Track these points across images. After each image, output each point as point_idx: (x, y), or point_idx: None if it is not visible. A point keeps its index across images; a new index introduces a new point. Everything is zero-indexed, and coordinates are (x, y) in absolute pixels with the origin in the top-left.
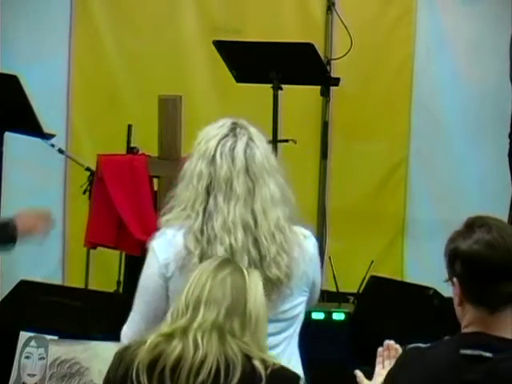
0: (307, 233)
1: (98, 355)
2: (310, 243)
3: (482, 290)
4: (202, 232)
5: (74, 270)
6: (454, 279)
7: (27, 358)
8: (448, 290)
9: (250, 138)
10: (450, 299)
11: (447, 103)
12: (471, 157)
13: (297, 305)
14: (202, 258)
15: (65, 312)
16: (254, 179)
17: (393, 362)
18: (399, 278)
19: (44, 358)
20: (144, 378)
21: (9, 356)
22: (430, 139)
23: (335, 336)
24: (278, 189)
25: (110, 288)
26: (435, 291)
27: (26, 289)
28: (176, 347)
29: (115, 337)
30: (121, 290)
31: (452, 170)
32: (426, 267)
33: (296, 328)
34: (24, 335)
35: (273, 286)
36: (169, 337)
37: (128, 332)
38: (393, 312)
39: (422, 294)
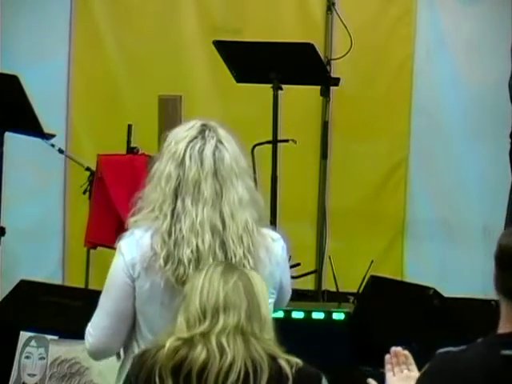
0: (276, 235)
1: None
2: (279, 246)
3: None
4: (169, 234)
5: (73, 270)
6: None
7: (27, 357)
8: (448, 289)
9: (219, 141)
10: (449, 299)
11: (447, 103)
12: (471, 157)
13: None
14: (167, 260)
15: (65, 312)
16: (222, 182)
17: (404, 368)
18: (399, 278)
19: (44, 358)
20: (169, 383)
21: (9, 356)
22: (430, 139)
23: (335, 336)
24: (247, 191)
25: None
26: (435, 291)
27: (26, 289)
28: (201, 352)
29: None
30: None
31: (452, 170)
32: (426, 267)
33: None
34: (24, 335)
35: None
36: (188, 342)
37: (91, 329)
38: (393, 312)
39: (422, 294)
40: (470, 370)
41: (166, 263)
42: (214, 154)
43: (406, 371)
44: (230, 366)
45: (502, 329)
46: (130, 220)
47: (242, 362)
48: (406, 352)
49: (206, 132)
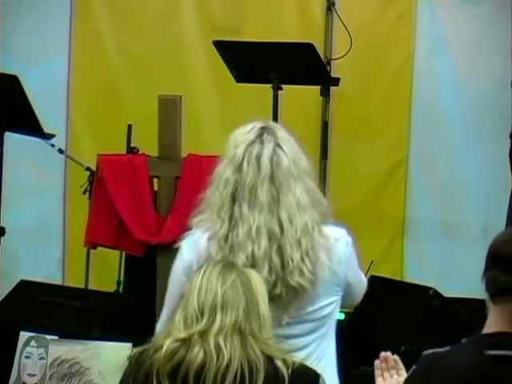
0: (339, 233)
1: (98, 355)
2: (342, 243)
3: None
4: (226, 239)
5: (73, 269)
6: None
7: (27, 357)
8: (448, 289)
9: (277, 144)
10: (449, 299)
11: (447, 103)
12: (471, 157)
13: (326, 305)
14: None
15: (65, 312)
16: (279, 187)
17: (393, 373)
18: (399, 278)
19: (44, 358)
20: None
21: (9, 356)
22: (429, 139)
23: (335, 336)
24: (306, 193)
25: (110, 288)
26: (435, 291)
27: (26, 289)
28: (198, 353)
29: (115, 337)
30: (121, 289)
31: (452, 170)
32: (426, 267)
33: (328, 328)
34: (24, 335)
35: (296, 294)
36: (186, 342)
37: (159, 327)
38: (393, 312)
39: (422, 294)
40: (456, 370)
41: None
42: (271, 159)
43: (395, 376)
44: (227, 366)
45: (488, 329)
46: (193, 220)
47: (239, 363)
48: (396, 357)
49: (264, 135)
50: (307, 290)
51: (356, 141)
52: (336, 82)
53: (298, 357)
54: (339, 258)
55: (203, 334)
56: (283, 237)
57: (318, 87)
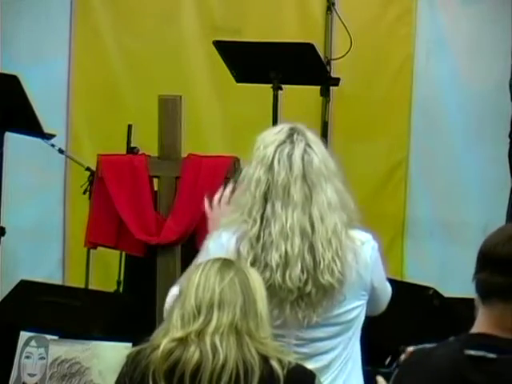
0: (366, 237)
1: (99, 355)
2: (368, 247)
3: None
4: (258, 238)
5: (74, 270)
6: None
7: (27, 357)
8: (448, 289)
9: (308, 144)
10: (449, 299)
11: (447, 103)
12: (471, 157)
13: (352, 309)
14: (253, 264)
15: (65, 312)
16: (312, 185)
17: None
18: (399, 278)
19: (44, 358)
20: None
21: (9, 356)
22: (429, 139)
23: None
24: (336, 194)
25: (110, 288)
26: (435, 291)
27: (25, 289)
28: (194, 353)
29: (115, 336)
30: (121, 289)
31: (452, 170)
32: (426, 267)
33: (354, 331)
34: (24, 335)
35: (325, 293)
36: (183, 342)
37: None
38: (393, 312)
39: (422, 294)
40: (437, 366)
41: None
42: (302, 158)
43: None
44: (223, 366)
45: (475, 329)
46: (221, 222)
47: (234, 363)
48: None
49: (295, 136)
50: (336, 289)
51: (356, 141)
52: (336, 82)
53: (325, 360)
54: (366, 262)
55: (200, 334)
56: (314, 236)
57: (318, 87)
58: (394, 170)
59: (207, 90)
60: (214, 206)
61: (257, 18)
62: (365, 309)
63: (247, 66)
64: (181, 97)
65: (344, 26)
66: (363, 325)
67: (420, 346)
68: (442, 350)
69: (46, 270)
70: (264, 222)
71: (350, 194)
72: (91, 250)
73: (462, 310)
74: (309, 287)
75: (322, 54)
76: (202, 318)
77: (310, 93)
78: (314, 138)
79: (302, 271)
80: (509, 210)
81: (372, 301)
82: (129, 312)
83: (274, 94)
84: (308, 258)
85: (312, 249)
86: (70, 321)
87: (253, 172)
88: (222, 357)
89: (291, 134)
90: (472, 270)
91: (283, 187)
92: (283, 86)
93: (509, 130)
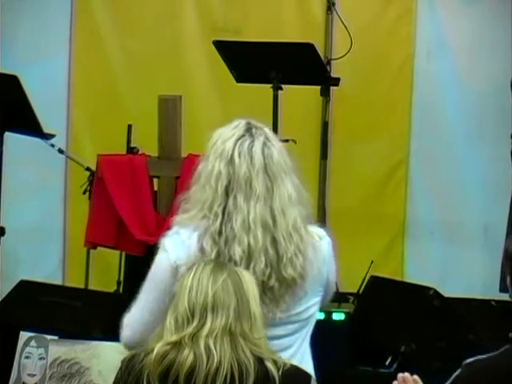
0: (322, 233)
1: (98, 355)
2: (325, 243)
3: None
4: (220, 233)
5: (73, 270)
6: None
7: (27, 357)
8: (448, 289)
9: (267, 138)
10: (449, 299)
11: (447, 103)
12: (471, 157)
13: (311, 306)
14: (217, 259)
15: (65, 312)
16: (273, 178)
17: None
18: (399, 278)
19: (44, 358)
20: None
21: (9, 356)
22: (430, 139)
23: (335, 336)
24: (295, 189)
25: (110, 288)
26: (435, 291)
27: (25, 289)
28: (188, 356)
29: (115, 337)
30: (121, 289)
31: (452, 170)
32: (426, 267)
33: (309, 329)
34: (24, 335)
35: (287, 288)
36: (177, 345)
37: (130, 322)
38: (393, 312)
39: (422, 294)
40: (504, 375)
41: None
42: (263, 151)
43: None
44: (217, 369)
45: None
46: (175, 218)
47: (229, 365)
48: (416, 377)
49: (253, 130)
50: (298, 284)
51: (356, 141)
52: (336, 82)
53: (284, 357)
54: (323, 257)
55: (193, 337)
56: (276, 229)
57: (318, 87)
58: (394, 170)
59: (207, 89)
60: None
61: (257, 18)
62: (319, 305)
63: (247, 66)
64: (181, 97)
65: (344, 25)
66: (363, 325)
67: (473, 358)
68: (508, 357)
69: (46, 270)
70: (226, 216)
71: (306, 191)
72: (91, 250)
73: (462, 310)
74: (272, 281)
75: (322, 54)
76: (195, 322)
77: (310, 93)
78: (271, 133)
79: (266, 265)
80: (511, 210)
81: (322, 298)
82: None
83: (274, 94)
84: (271, 251)
85: (274, 242)
86: (70, 321)
87: (212, 167)
88: (216, 359)
89: (249, 128)
90: (472, 270)
91: (245, 180)
92: (283, 85)
93: (510, 129)
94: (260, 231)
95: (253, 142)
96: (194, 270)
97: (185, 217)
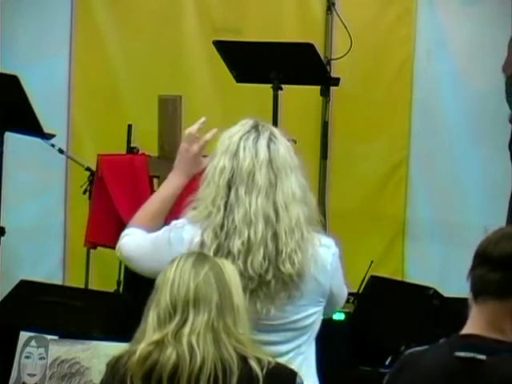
0: (327, 241)
1: (99, 355)
2: (328, 252)
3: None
4: (222, 226)
5: (74, 270)
6: None
7: (27, 357)
8: (448, 289)
9: (273, 135)
10: (449, 299)
11: (447, 103)
12: (471, 157)
13: (310, 315)
14: (216, 253)
15: (65, 312)
16: (277, 172)
17: None
18: (399, 278)
19: (44, 358)
20: None
21: (9, 356)
22: (430, 139)
23: (335, 336)
24: (300, 187)
25: (110, 288)
26: (435, 291)
27: (25, 289)
28: (171, 356)
29: (116, 336)
30: (121, 289)
31: (452, 170)
32: (426, 267)
33: (310, 337)
34: (24, 335)
35: (283, 285)
36: (160, 344)
37: (129, 236)
38: (393, 312)
39: (422, 294)
40: (428, 369)
41: (215, 256)
42: (268, 146)
43: None
44: (200, 368)
45: (466, 329)
46: (184, 215)
47: (212, 364)
48: None
49: (260, 127)
50: (294, 281)
51: (356, 141)
52: (336, 82)
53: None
54: (324, 268)
55: (176, 335)
56: (278, 223)
57: (318, 87)
58: (394, 170)
59: (207, 89)
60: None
61: (257, 18)
62: (321, 314)
63: (247, 66)
64: (181, 97)
65: (344, 25)
66: (364, 325)
67: (411, 349)
68: (433, 351)
69: (46, 270)
70: (228, 208)
71: (312, 193)
72: (91, 250)
73: (462, 310)
74: (269, 276)
75: (322, 54)
76: (177, 318)
77: (310, 93)
78: (278, 132)
79: (264, 258)
80: (509, 210)
81: (327, 305)
82: (129, 312)
83: (274, 94)
84: (271, 245)
85: (275, 236)
86: (70, 321)
87: (217, 162)
88: (199, 358)
89: (256, 125)
90: None
91: (248, 173)
92: (283, 86)
93: (510, 130)
94: (261, 224)
95: (258, 136)
96: (176, 263)
97: (192, 213)
